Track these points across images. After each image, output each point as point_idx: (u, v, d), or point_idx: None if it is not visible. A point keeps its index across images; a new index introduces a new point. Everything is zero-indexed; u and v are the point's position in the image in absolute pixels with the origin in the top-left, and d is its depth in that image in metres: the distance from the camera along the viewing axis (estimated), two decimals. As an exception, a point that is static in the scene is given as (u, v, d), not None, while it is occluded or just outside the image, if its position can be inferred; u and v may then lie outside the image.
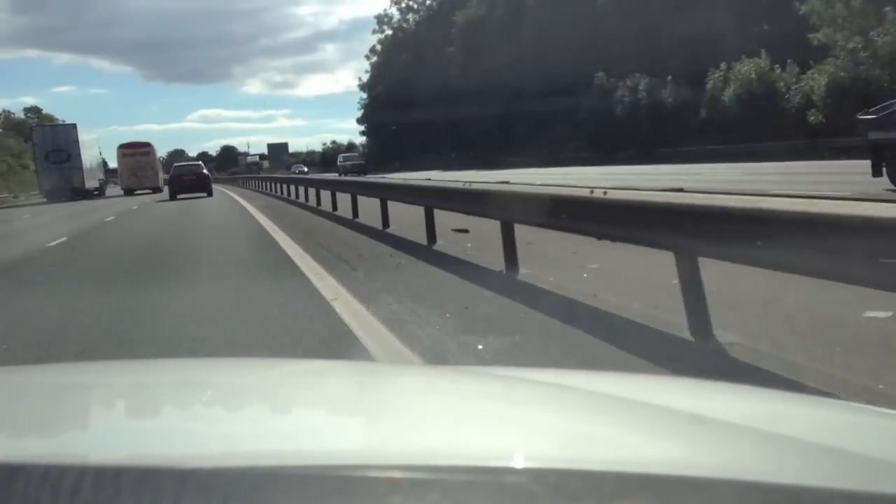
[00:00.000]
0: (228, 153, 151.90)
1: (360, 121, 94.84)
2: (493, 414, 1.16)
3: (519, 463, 0.82)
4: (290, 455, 0.88)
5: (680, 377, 2.58)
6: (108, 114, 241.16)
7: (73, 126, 47.89)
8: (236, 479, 0.76)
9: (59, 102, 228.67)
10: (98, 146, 56.25)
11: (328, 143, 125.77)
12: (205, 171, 34.50)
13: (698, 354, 4.02)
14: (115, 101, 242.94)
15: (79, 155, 45.48)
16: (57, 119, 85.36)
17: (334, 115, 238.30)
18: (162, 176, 50.85)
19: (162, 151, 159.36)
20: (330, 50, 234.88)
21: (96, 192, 48.16)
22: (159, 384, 1.45)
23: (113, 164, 57.34)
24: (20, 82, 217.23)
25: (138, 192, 46.43)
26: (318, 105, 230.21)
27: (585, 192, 5.38)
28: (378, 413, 1.17)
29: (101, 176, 53.31)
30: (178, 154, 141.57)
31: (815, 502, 0.77)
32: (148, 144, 51.91)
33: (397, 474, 0.78)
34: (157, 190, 47.43)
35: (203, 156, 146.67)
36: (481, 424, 1.08)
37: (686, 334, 4.29)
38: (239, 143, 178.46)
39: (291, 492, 0.75)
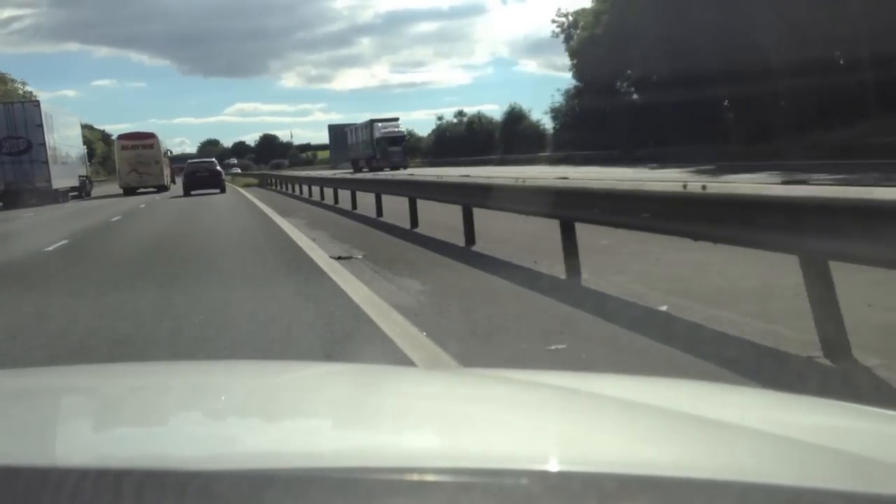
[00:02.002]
0: (269, 142, 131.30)
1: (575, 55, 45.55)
2: (493, 416, 1.15)
3: (519, 465, 0.81)
4: (291, 457, 0.88)
5: (679, 379, 2.38)
6: (147, 107, 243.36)
7: (36, 104, 35.24)
8: (238, 481, 0.76)
9: (98, 96, 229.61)
10: (80, 131, 44.52)
11: (447, 119, 75.75)
12: (218, 168, 34.60)
13: (845, 384, 3.25)
14: (153, 94, 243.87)
15: (43, 144, 33.05)
16: (17, 88, 60.44)
17: (370, 109, 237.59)
18: (168, 172, 44.27)
19: (195, 143, 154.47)
20: (365, 43, 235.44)
21: (74, 194, 37.22)
22: (160, 387, 1.43)
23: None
24: (61, 76, 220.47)
25: (141, 190, 39.49)
26: (354, 99, 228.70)
27: (677, 187, 4.76)
28: (379, 415, 1.15)
29: (85, 171, 42.56)
30: (210, 144, 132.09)
31: (814, 503, 0.76)
32: (151, 135, 43.69)
33: (398, 476, 0.77)
34: (162, 189, 40.20)
35: (240, 146, 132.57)
36: (481, 426, 1.08)
37: (816, 352, 3.58)
38: (282, 135, 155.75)
39: (292, 494, 0.74)
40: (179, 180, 40.33)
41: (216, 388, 1.42)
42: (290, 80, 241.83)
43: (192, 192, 31.26)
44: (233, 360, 3.94)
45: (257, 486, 0.74)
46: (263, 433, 1.06)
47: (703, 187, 4.44)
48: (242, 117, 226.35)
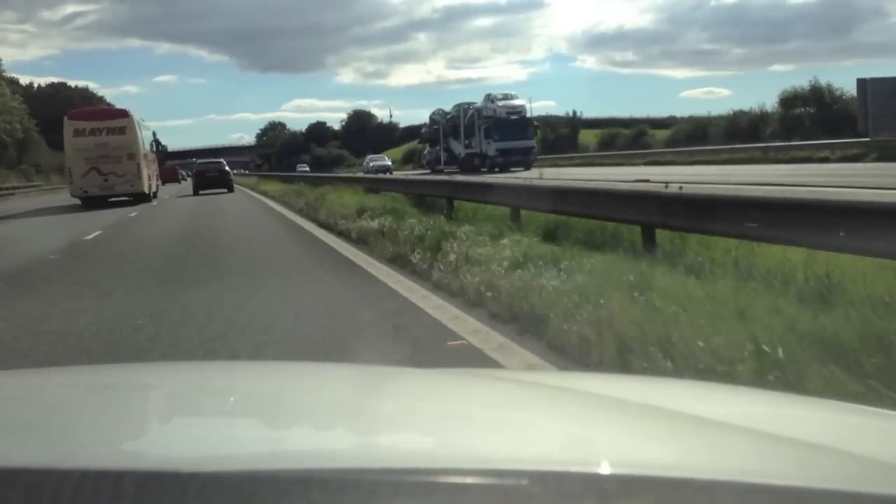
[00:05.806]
0: (363, 123, 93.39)
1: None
2: (493, 416, 1.16)
3: (519, 465, 0.81)
4: (291, 458, 0.88)
5: (679, 379, 2.30)
6: (206, 103, 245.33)
7: None
8: (238, 482, 0.75)
9: (160, 91, 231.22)
10: None
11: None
12: (226, 168, 35.14)
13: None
14: (212, 90, 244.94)
15: None
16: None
17: (426, 105, 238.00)
18: (149, 173, 28.57)
19: (252, 133, 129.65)
20: (422, 39, 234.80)
21: None
22: (159, 388, 1.43)
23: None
24: (123, 71, 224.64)
25: (113, 199, 25.97)
26: (410, 95, 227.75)
27: None
28: (379, 416, 1.15)
29: None
30: (274, 129, 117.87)
31: None
32: (122, 113, 27.83)
33: (398, 477, 0.78)
34: (141, 197, 26.37)
35: (319, 129, 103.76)
36: (482, 427, 1.09)
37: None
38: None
39: (292, 494, 0.74)
40: (174, 184, 37.39)
41: (217, 389, 1.42)
42: (346, 76, 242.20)
43: (201, 192, 31.97)
44: (234, 360, 3.99)
45: (257, 487, 0.74)
46: (264, 434, 1.06)
47: None
48: (300, 113, 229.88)
